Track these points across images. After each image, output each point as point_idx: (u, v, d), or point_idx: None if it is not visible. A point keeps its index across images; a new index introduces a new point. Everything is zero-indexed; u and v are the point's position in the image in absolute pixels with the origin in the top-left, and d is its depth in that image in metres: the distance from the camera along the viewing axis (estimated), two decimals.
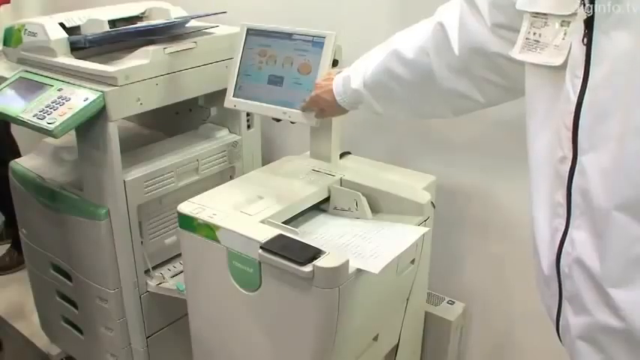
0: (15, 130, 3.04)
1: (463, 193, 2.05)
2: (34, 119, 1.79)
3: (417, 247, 1.73)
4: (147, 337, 2.12)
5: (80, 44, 1.94)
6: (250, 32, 1.79)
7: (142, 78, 1.84)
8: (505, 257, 2.05)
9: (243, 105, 1.80)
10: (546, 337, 2.01)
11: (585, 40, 0.95)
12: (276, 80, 1.73)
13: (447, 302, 2.14)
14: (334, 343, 1.48)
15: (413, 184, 1.81)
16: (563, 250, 1.05)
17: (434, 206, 1.79)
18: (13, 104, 1.88)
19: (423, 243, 1.76)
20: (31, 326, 2.69)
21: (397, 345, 1.91)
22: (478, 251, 2.11)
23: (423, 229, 1.66)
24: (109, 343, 2.15)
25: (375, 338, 1.78)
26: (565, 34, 1.04)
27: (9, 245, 3.21)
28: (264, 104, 1.74)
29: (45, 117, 1.78)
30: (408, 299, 1.84)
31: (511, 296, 2.09)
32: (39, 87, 1.90)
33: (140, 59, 1.87)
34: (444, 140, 2.05)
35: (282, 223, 1.61)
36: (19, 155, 2.64)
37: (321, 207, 1.80)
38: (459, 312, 2.11)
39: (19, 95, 1.91)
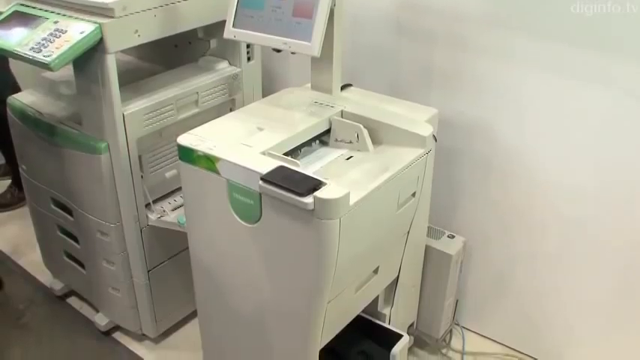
0: (14, 65, 2.99)
1: (465, 127, 2.04)
2: (31, 52, 1.77)
3: (419, 180, 1.73)
4: (148, 271, 2.14)
5: None
6: None
7: (139, 9, 1.81)
8: (506, 192, 2.05)
9: (243, 35, 1.77)
10: (544, 274, 2.03)
11: None
12: (276, 10, 1.70)
13: (448, 236, 2.14)
14: (334, 274, 1.49)
15: (415, 117, 1.79)
16: None
17: (435, 139, 1.78)
18: (9, 38, 1.85)
19: (424, 176, 1.76)
20: (33, 262, 2.71)
21: (397, 278, 1.92)
22: (479, 185, 2.11)
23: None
24: (111, 277, 2.17)
25: (376, 271, 1.79)
26: None
27: (9, 182, 3.21)
28: (265, 35, 1.71)
29: (41, 50, 1.76)
30: (408, 232, 1.84)
31: (511, 232, 2.09)
32: (35, 20, 1.87)
33: None
34: (447, 73, 2.03)
35: (283, 155, 1.60)
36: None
37: (322, 139, 1.79)
38: (459, 246, 2.11)
39: (14, 29, 1.88)
